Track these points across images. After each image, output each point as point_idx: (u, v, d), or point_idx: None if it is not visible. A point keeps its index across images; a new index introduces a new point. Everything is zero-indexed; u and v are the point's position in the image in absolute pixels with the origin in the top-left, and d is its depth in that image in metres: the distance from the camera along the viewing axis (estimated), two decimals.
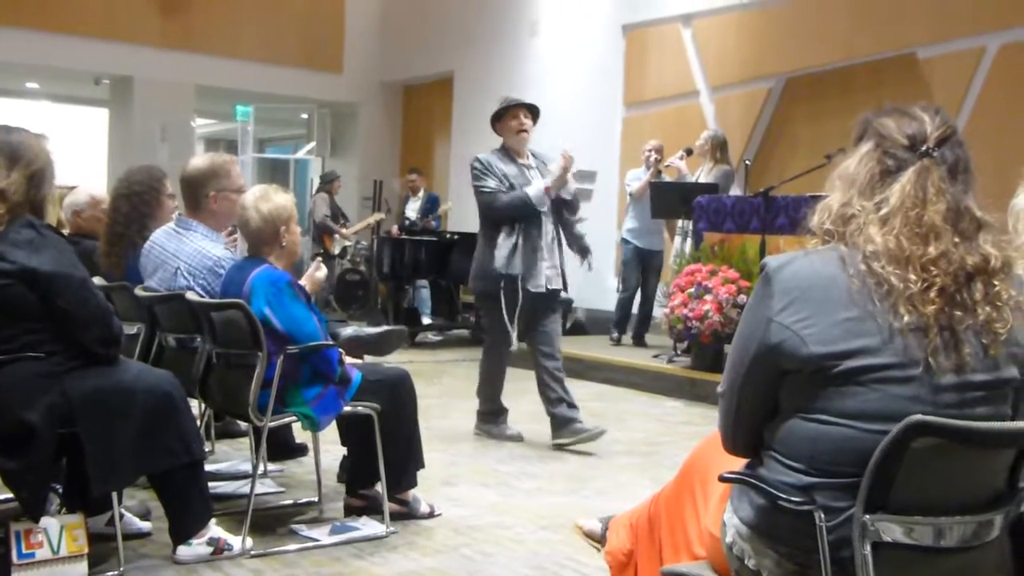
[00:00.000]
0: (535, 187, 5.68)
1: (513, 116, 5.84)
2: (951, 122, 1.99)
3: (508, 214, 5.69)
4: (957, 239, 1.90)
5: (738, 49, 10.68)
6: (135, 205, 4.82)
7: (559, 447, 5.65)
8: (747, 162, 9.09)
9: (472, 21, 13.97)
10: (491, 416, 6.01)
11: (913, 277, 1.86)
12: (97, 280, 4.09)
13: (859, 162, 2.00)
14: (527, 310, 5.71)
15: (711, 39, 10.96)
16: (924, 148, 1.94)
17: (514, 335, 5.70)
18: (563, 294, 5.99)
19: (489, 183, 5.73)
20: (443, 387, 7.83)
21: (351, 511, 4.21)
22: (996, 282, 1.90)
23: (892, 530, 1.81)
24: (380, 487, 4.04)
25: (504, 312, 5.67)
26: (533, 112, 5.92)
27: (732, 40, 10.76)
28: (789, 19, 10.14)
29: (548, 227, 5.76)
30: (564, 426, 5.68)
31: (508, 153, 5.85)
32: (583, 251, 5.93)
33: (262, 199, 3.97)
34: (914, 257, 1.87)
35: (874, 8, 9.39)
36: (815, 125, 9.82)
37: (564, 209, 5.81)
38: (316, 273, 4.26)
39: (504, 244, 5.66)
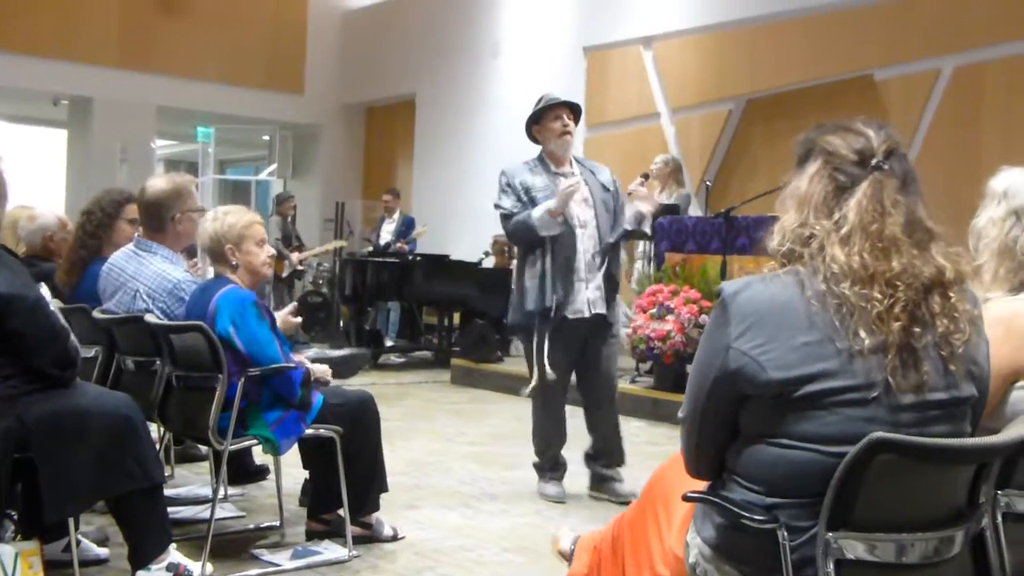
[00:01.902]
0: (539, 209, 4.85)
1: (555, 116, 5.02)
2: (895, 135, 2.01)
3: (517, 239, 5.09)
4: (915, 250, 1.91)
5: (698, 71, 10.78)
6: (95, 225, 4.80)
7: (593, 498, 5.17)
8: (708, 183, 9.16)
9: (434, 43, 14.01)
10: (538, 469, 5.21)
11: (878, 295, 1.86)
12: (56, 303, 4.04)
13: (810, 181, 1.99)
14: (571, 341, 4.99)
15: (672, 61, 11.06)
16: (874, 162, 1.95)
17: (547, 369, 4.94)
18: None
19: (505, 202, 4.98)
20: (406, 409, 7.79)
21: (313, 535, 4.17)
22: (952, 294, 1.91)
23: (855, 547, 1.82)
24: (343, 511, 4.01)
25: (539, 348, 4.95)
26: (576, 113, 5.14)
27: (692, 62, 10.86)
28: (749, 42, 10.26)
29: (586, 244, 4.97)
30: (600, 483, 5.11)
31: (544, 162, 5.08)
32: (611, 281, 5.09)
33: (213, 219, 3.99)
34: (878, 274, 1.87)
35: (831, 31, 9.52)
36: (774, 146, 9.92)
37: (627, 238, 5.22)
38: (291, 319, 4.27)
39: (534, 272, 4.94)
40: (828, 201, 1.96)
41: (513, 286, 5.19)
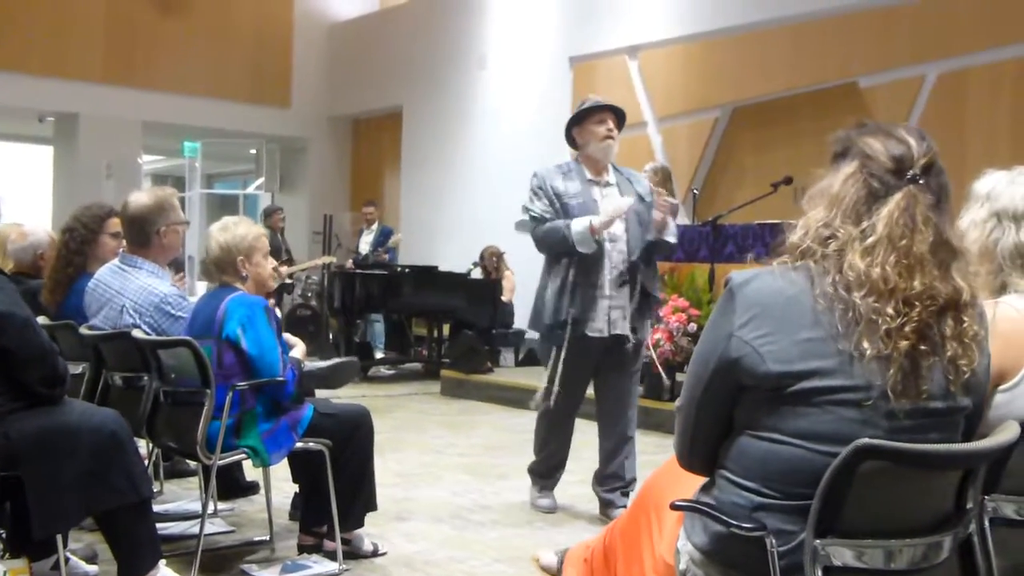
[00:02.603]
0: (580, 223, 4.61)
1: (599, 120, 4.81)
2: (935, 147, 1.97)
3: (544, 248, 4.79)
4: (937, 271, 1.89)
5: (684, 80, 10.81)
6: (79, 242, 4.78)
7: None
8: (695, 191, 9.18)
9: (420, 55, 14.03)
10: (532, 474, 5.14)
11: (891, 311, 1.84)
12: (41, 319, 4.02)
13: (843, 183, 1.95)
14: (588, 359, 4.81)
15: (657, 71, 11.09)
16: (911, 174, 1.92)
17: (554, 390, 4.82)
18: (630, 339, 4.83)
19: (536, 206, 4.76)
20: (396, 421, 7.77)
21: (304, 549, 4.15)
22: (965, 317, 1.90)
23: (843, 554, 1.82)
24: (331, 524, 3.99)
25: (553, 363, 4.81)
26: (620, 118, 4.93)
27: (678, 71, 10.89)
28: (734, 50, 10.30)
29: (614, 260, 4.71)
30: (602, 507, 4.93)
31: (581, 166, 4.85)
32: (647, 297, 4.85)
33: (222, 230, 3.97)
34: (898, 289, 1.85)
35: (817, 39, 9.57)
36: (761, 153, 9.95)
37: (653, 250, 4.82)
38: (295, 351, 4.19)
39: (555, 281, 4.74)
40: (858, 206, 1.92)
41: (535, 295, 4.94)
